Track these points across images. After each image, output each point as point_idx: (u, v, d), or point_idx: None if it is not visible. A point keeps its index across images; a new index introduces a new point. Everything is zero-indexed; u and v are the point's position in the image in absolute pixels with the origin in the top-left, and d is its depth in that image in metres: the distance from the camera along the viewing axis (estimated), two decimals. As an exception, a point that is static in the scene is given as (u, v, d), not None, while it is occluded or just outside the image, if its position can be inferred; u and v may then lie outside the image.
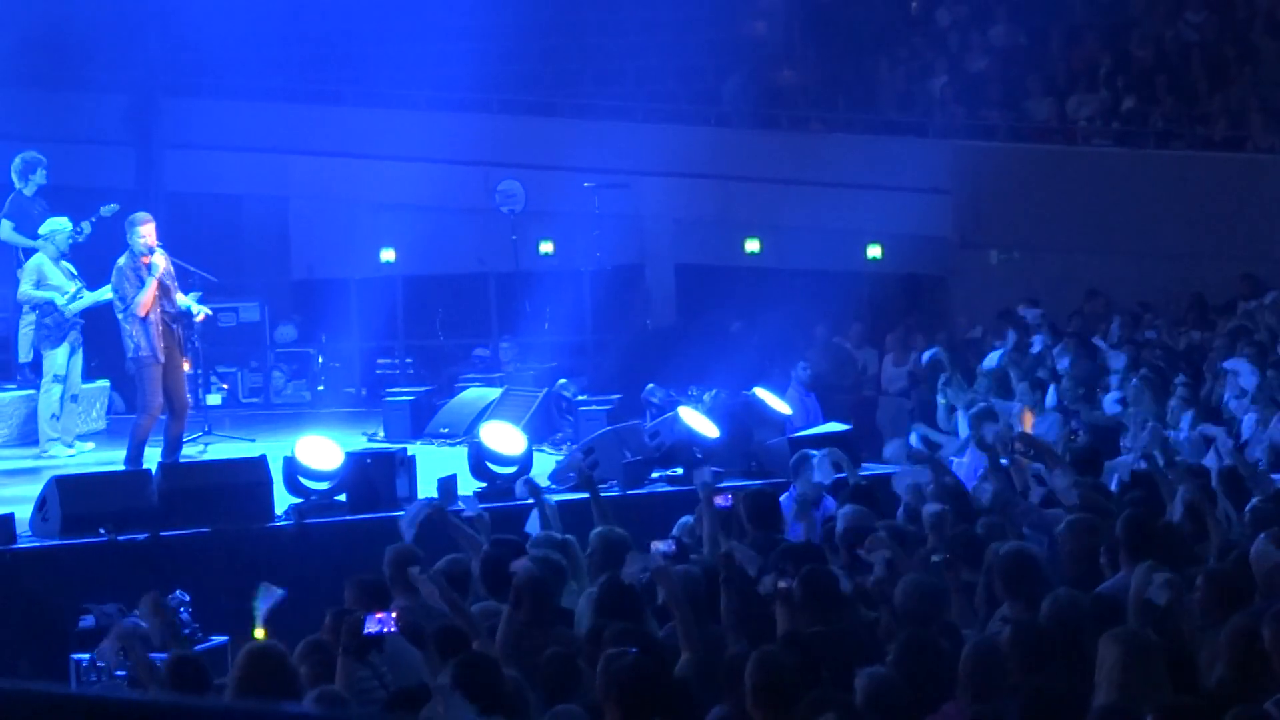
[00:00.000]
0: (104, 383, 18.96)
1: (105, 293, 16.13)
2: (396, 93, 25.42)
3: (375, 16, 26.15)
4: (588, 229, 22.69)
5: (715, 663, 8.94)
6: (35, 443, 17.62)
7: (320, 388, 22.66)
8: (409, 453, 15.01)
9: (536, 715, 8.52)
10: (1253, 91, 24.34)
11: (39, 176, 18.03)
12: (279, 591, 10.58)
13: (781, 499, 12.98)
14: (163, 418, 15.64)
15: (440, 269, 24.85)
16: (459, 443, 17.12)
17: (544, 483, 14.44)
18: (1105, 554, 10.23)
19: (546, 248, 24.22)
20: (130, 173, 23.14)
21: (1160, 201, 23.48)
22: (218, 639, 12.03)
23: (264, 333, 22.66)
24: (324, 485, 14.30)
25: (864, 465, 15.66)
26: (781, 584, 9.63)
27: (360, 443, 17.08)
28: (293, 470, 14.22)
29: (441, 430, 18.05)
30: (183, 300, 15.90)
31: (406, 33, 25.36)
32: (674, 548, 10.69)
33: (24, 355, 18.38)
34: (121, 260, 15.49)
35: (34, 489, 13.99)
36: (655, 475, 15.40)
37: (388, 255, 24.97)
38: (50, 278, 17.29)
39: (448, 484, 14.28)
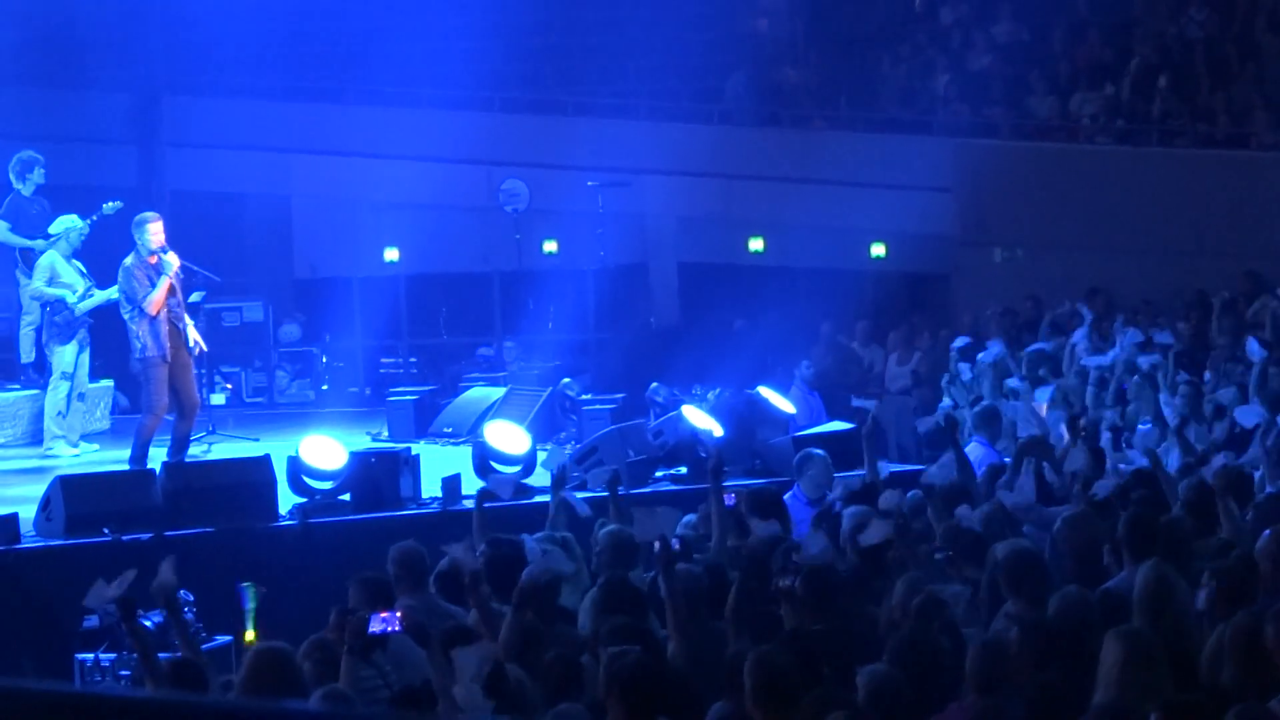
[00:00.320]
0: (108, 382, 18.97)
1: (113, 292, 16.15)
2: (400, 91, 25.42)
3: (378, 15, 26.16)
4: (591, 228, 22.69)
5: (717, 660, 8.95)
6: (41, 442, 17.65)
7: (324, 387, 22.67)
8: (413, 452, 15.02)
9: (540, 714, 8.52)
10: (1255, 89, 24.34)
11: (36, 176, 18.02)
12: (259, 589, 10.63)
13: (785, 497, 13.00)
14: (169, 417, 15.66)
15: (444, 268, 24.86)
16: (463, 442, 17.12)
17: (546, 482, 14.44)
18: (1109, 553, 10.23)
19: (550, 246, 24.22)
20: (132, 171, 23.14)
21: (1163, 199, 23.47)
22: (222, 639, 12.04)
23: (267, 332, 22.67)
24: (328, 485, 14.30)
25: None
26: (784, 582, 9.64)
27: (364, 442, 17.08)
28: (297, 470, 14.23)
29: (445, 429, 18.05)
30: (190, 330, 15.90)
31: (410, 31, 25.35)
32: (678, 545, 10.70)
33: (26, 355, 18.39)
34: (129, 260, 15.50)
35: (39, 489, 13.99)
36: (659, 474, 15.40)
37: (391, 254, 24.98)
38: (62, 275, 17.31)
39: (452, 483, 14.31)
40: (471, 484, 14.58)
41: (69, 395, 17.37)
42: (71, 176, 20.00)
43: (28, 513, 13.60)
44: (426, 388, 19.74)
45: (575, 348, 22.07)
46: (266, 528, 13.78)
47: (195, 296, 16.42)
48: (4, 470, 16.88)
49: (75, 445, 17.41)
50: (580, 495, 12.89)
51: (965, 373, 19.36)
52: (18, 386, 18.57)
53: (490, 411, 17.66)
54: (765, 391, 17.16)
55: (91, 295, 17.16)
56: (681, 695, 8.48)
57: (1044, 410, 17.43)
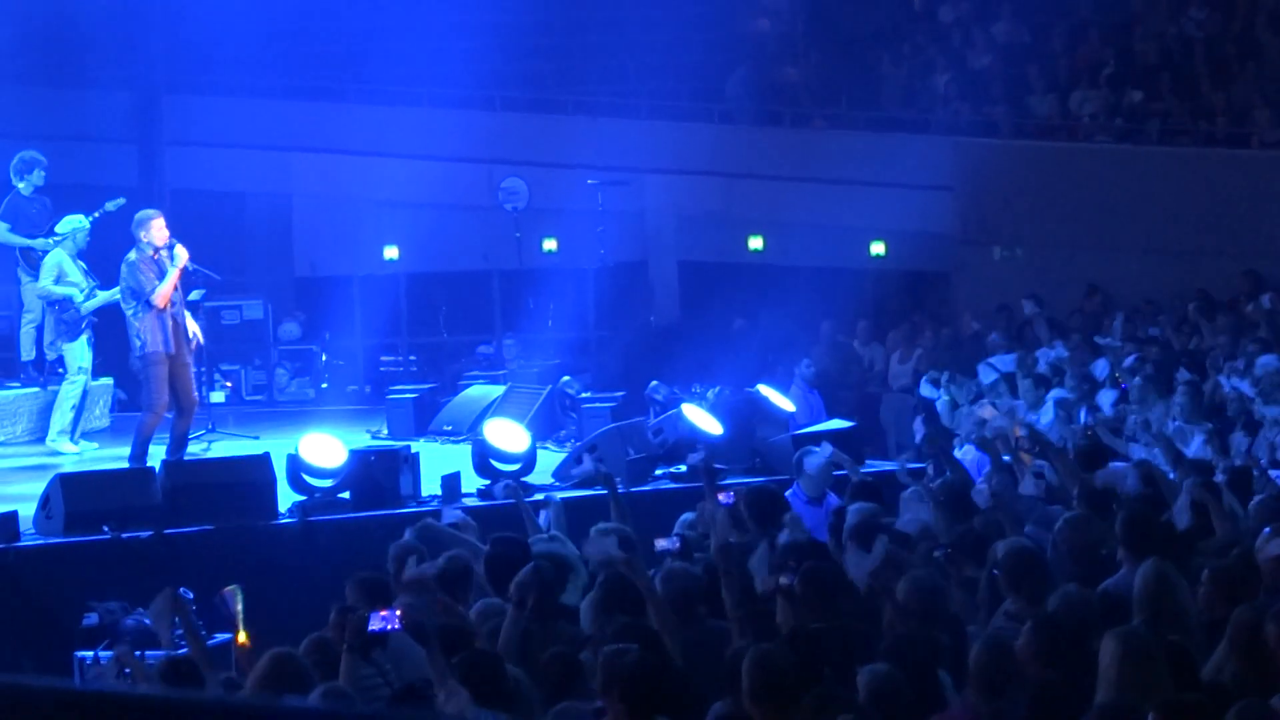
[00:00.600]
0: (107, 380, 18.97)
1: (116, 293, 16.17)
2: (400, 90, 25.42)
3: (379, 13, 26.16)
4: (591, 226, 22.69)
5: (715, 658, 8.94)
6: (44, 439, 17.69)
7: (324, 385, 22.67)
8: (413, 450, 15.02)
9: (540, 713, 8.52)
10: (1256, 88, 24.33)
11: (35, 176, 18.02)
12: (240, 590, 10.64)
13: (786, 494, 13.00)
14: (168, 415, 15.66)
15: (444, 266, 24.85)
16: (463, 440, 17.13)
17: (547, 480, 14.47)
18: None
19: (550, 245, 24.22)
20: (133, 170, 23.13)
21: (1163, 198, 23.47)
22: (221, 636, 12.04)
23: (267, 330, 22.67)
24: (328, 483, 14.30)
25: (867, 461, 15.70)
26: (783, 580, 9.64)
27: (364, 440, 17.09)
28: (296, 468, 14.23)
29: (445, 428, 18.05)
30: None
31: (410, 30, 25.35)
32: (678, 544, 10.71)
33: (26, 353, 18.40)
34: (132, 255, 15.49)
35: (39, 486, 13.98)
36: (659, 472, 15.41)
37: (391, 252, 24.97)
38: (69, 274, 17.33)
39: (451, 482, 14.31)
40: (471, 482, 14.59)
41: (85, 391, 17.43)
42: (72, 175, 20.00)
43: (27, 510, 13.60)
44: (426, 386, 19.73)
45: (575, 346, 22.07)
46: (266, 526, 13.79)
47: (195, 294, 16.42)
48: (4, 468, 16.88)
49: (75, 442, 17.43)
50: (578, 494, 12.93)
51: (987, 374, 19.31)
52: (18, 384, 18.58)
53: (490, 410, 17.66)
54: (765, 390, 17.16)
55: (95, 295, 17.17)
56: (681, 694, 8.48)
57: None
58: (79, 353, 17.34)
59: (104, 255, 17.33)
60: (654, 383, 17.10)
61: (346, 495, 14.30)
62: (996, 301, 23.01)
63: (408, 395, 18.74)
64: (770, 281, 24.04)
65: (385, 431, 18.21)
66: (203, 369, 18.28)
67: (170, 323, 15.48)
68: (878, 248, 24.57)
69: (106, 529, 13.15)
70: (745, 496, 12.08)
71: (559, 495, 13.20)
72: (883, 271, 24.77)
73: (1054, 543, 10.96)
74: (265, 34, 25.24)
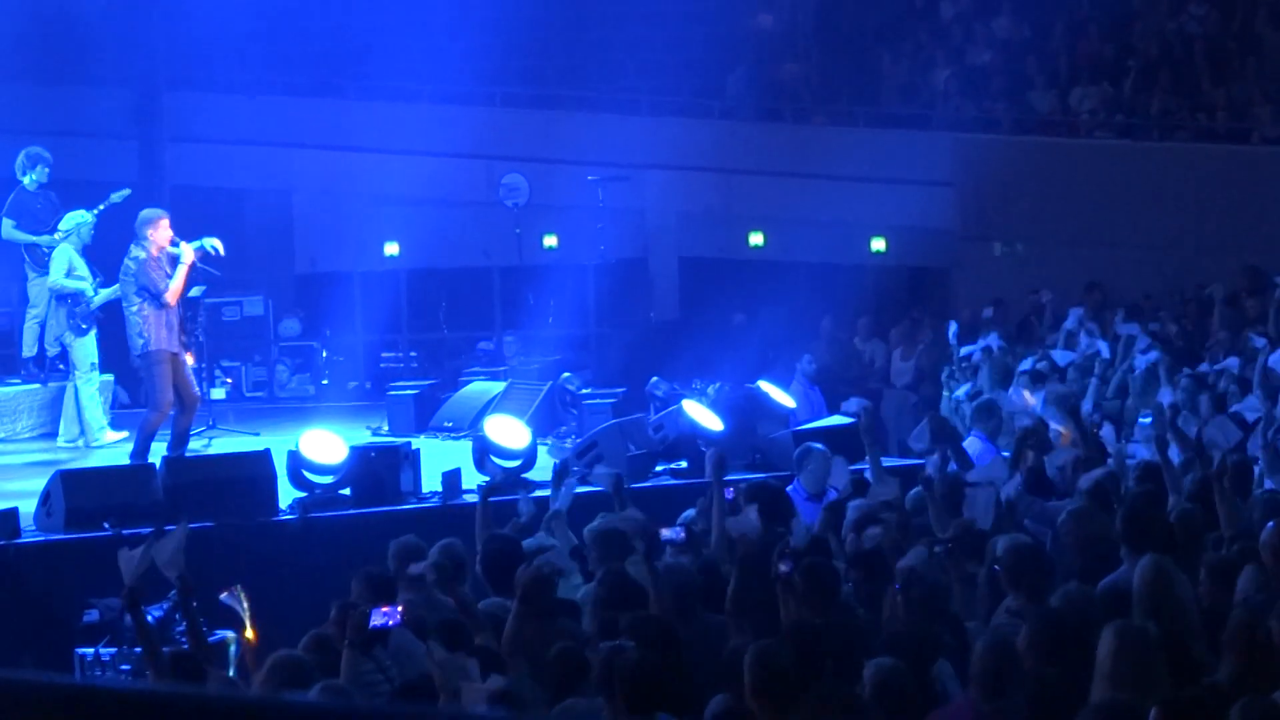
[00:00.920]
0: (107, 377, 18.97)
1: (116, 290, 16.19)
2: (400, 86, 25.42)
3: (379, 10, 26.15)
4: (591, 222, 22.69)
5: (714, 653, 8.96)
6: (54, 436, 17.71)
7: (324, 381, 22.68)
8: (413, 446, 15.02)
9: (545, 709, 8.52)
10: (1256, 84, 24.34)
11: (38, 173, 18.04)
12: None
13: (787, 490, 13.00)
14: (171, 412, 15.68)
15: (444, 263, 24.85)
16: (463, 436, 17.12)
17: (546, 476, 14.45)
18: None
19: (550, 241, 24.23)
20: (134, 167, 23.11)
21: (1163, 194, 23.47)
22: (222, 633, 12.04)
23: (268, 327, 22.68)
24: (328, 479, 14.30)
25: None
26: (782, 568, 9.65)
27: (364, 436, 17.09)
28: (297, 464, 14.23)
29: (446, 424, 18.05)
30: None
31: (410, 26, 25.35)
32: (683, 534, 10.72)
33: (29, 349, 18.40)
34: (140, 254, 15.50)
35: (39, 483, 13.97)
36: (659, 469, 15.41)
37: (391, 249, 24.98)
38: (79, 268, 17.35)
39: (452, 478, 14.31)
40: (472, 478, 14.59)
41: (101, 385, 17.48)
42: (73, 172, 20.00)
43: (28, 507, 13.61)
44: (427, 382, 19.73)
45: (575, 342, 22.08)
46: (266, 522, 13.78)
47: (195, 291, 16.44)
48: (4, 465, 16.88)
49: (76, 438, 17.48)
50: (578, 489, 12.92)
51: (973, 353, 19.27)
52: (18, 381, 18.59)
53: (490, 406, 17.65)
54: (766, 386, 17.16)
55: (99, 291, 17.20)
56: (681, 690, 8.49)
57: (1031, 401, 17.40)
58: (90, 348, 17.36)
59: (105, 250, 17.35)
60: (654, 379, 17.09)
61: (347, 492, 14.29)
62: (997, 297, 23.01)
63: (408, 391, 18.73)
64: (771, 277, 24.04)
65: (386, 428, 18.21)
66: (203, 366, 18.29)
67: (176, 321, 15.53)
68: (878, 244, 24.58)
69: (107, 525, 13.15)
70: (745, 493, 12.08)
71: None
72: (883, 267, 24.78)
73: (1055, 537, 10.97)
74: (266, 31, 25.24)
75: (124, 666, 11.67)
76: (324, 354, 23.08)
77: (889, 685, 7.98)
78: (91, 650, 11.92)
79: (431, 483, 14.47)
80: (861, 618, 9.79)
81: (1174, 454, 13.28)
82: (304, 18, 26.53)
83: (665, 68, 25.85)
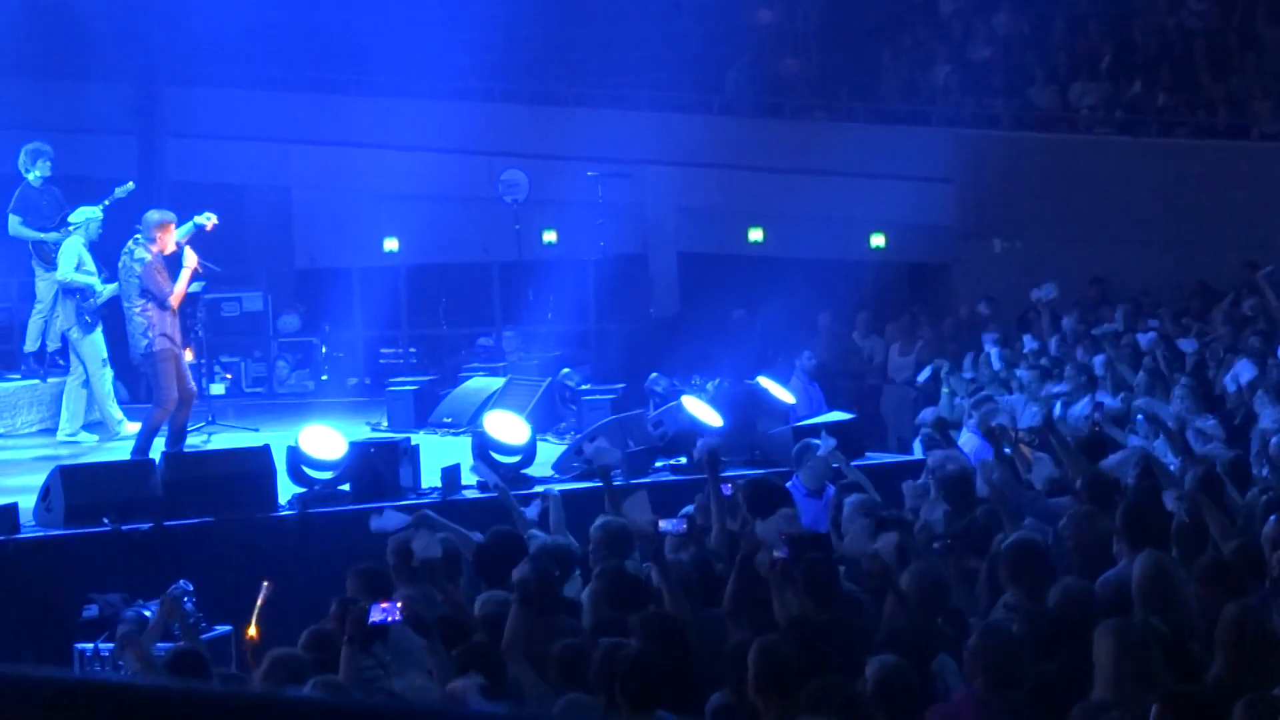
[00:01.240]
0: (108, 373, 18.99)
1: (116, 288, 16.23)
2: (400, 82, 25.41)
3: (379, 6, 26.14)
4: (591, 218, 22.68)
5: (712, 648, 8.96)
6: (54, 431, 17.72)
7: (324, 377, 22.67)
8: (412, 442, 15.01)
9: (547, 704, 8.53)
10: (1255, 80, 24.34)
11: (41, 167, 18.04)
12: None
13: (787, 485, 13.00)
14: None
15: (443, 258, 24.85)
16: (462, 432, 17.12)
17: (546, 472, 14.47)
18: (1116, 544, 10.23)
19: (550, 237, 24.22)
20: (133, 162, 23.12)
21: (1163, 190, 23.47)
22: (221, 628, 12.05)
23: (267, 322, 22.67)
24: (327, 475, 14.30)
25: (868, 454, 15.71)
26: (777, 553, 9.65)
27: (364, 432, 17.08)
28: (296, 460, 14.22)
29: (445, 420, 18.05)
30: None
31: (409, 22, 25.35)
32: (684, 526, 10.72)
33: (31, 344, 18.41)
34: (146, 256, 15.52)
35: (38, 478, 13.97)
36: (659, 464, 15.40)
37: (391, 245, 24.97)
38: (87, 263, 17.36)
39: (451, 474, 14.31)
40: (471, 474, 14.59)
41: (114, 380, 17.49)
42: (72, 167, 20.00)
43: (28, 503, 13.61)
44: (426, 378, 19.73)
45: (575, 338, 22.07)
46: (266, 518, 13.78)
47: (195, 287, 16.44)
48: (4, 460, 16.89)
49: (76, 433, 17.48)
50: (577, 485, 12.93)
51: (996, 360, 19.27)
52: (18, 376, 18.59)
53: (490, 402, 17.65)
54: (765, 382, 17.15)
55: (106, 286, 17.21)
56: (682, 687, 8.49)
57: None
58: (99, 343, 17.37)
59: (105, 244, 17.36)
60: (654, 375, 17.09)
61: (346, 487, 14.29)
62: (996, 294, 23.01)
63: (407, 387, 18.73)
64: (770, 273, 24.04)
65: (385, 424, 18.20)
66: (202, 361, 18.29)
67: (175, 318, 15.58)
68: (878, 240, 24.58)
69: (106, 521, 13.15)
70: (743, 489, 12.08)
71: (557, 488, 13.19)
72: (883, 263, 24.78)
73: (1057, 534, 10.96)
74: (265, 26, 25.23)
75: (123, 661, 11.66)
76: (323, 350, 23.08)
77: (891, 681, 7.98)
78: (91, 645, 11.93)
79: (431, 478, 14.47)
80: (862, 613, 9.80)
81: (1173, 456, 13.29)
82: (303, 13, 26.51)
83: (665, 63, 25.86)
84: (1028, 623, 8.64)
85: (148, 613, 11.41)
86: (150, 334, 15.44)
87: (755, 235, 25.14)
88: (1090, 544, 10.53)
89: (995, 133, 24.82)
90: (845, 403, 18.84)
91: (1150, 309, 21.16)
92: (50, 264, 17.80)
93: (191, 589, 11.70)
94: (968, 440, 14.82)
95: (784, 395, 17.17)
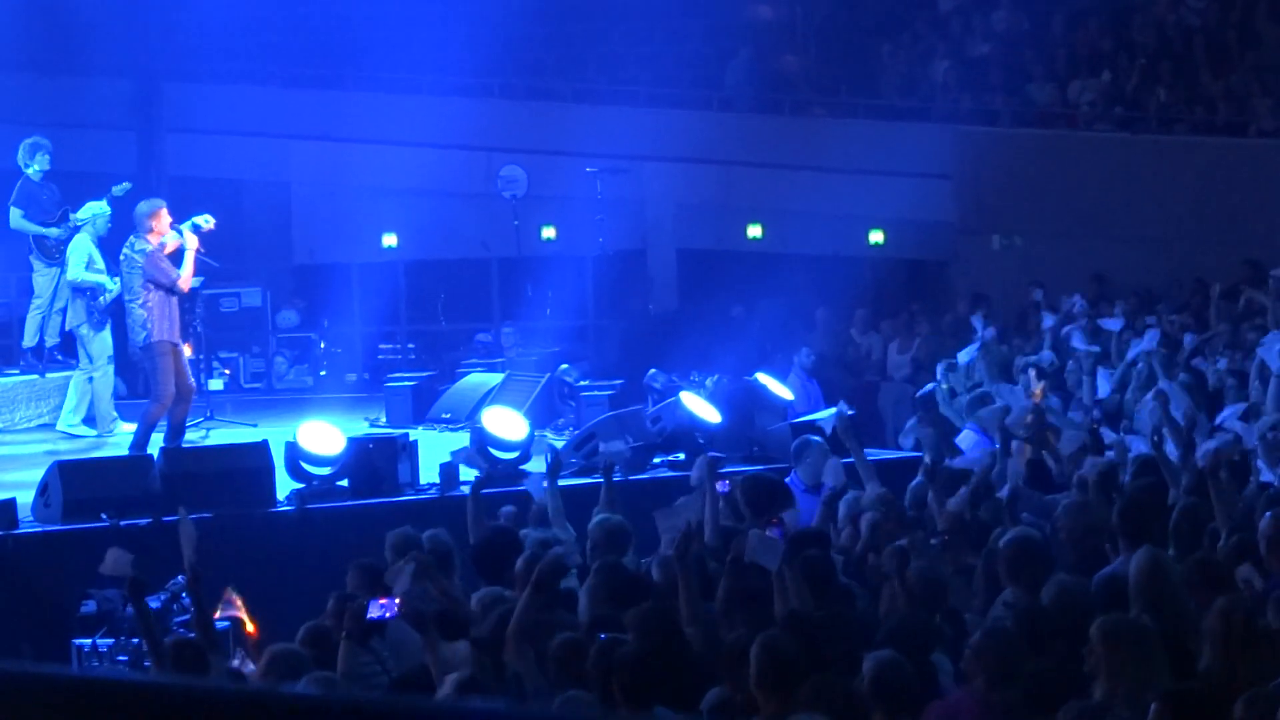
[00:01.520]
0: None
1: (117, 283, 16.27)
2: (398, 77, 25.41)
3: (377, 1, 26.13)
4: (590, 214, 22.68)
5: (710, 644, 8.96)
6: (52, 427, 17.72)
7: (322, 373, 22.67)
8: (411, 438, 15.03)
9: (546, 699, 8.52)
10: (1255, 77, 24.33)
11: (40, 161, 18.05)
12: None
13: (785, 481, 13.00)
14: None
15: (442, 254, 24.85)
16: (461, 428, 17.13)
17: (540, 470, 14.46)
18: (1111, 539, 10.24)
19: (548, 233, 24.22)
20: (132, 158, 23.13)
21: (1163, 186, 23.46)
22: (219, 624, 12.04)
23: (266, 318, 22.67)
24: (326, 470, 14.31)
25: (867, 451, 15.68)
26: (770, 533, 9.66)
27: (362, 428, 17.09)
28: (295, 455, 14.24)
29: (443, 415, 18.06)
30: None
31: (409, 17, 25.33)
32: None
33: (30, 340, 18.41)
34: (147, 246, 15.54)
35: (37, 474, 13.97)
36: (657, 460, 15.41)
37: (390, 240, 24.97)
38: (96, 261, 17.36)
39: (450, 470, 14.31)
40: (469, 470, 14.59)
41: (115, 377, 17.52)
42: (71, 163, 20.00)
43: (26, 498, 13.61)
44: (425, 374, 19.74)
45: (573, 334, 22.07)
46: (264, 513, 13.79)
47: (195, 282, 16.44)
48: (2, 455, 16.89)
49: (75, 427, 17.50)
50: (575, 481, 12.93)
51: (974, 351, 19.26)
52: (17, 371, 18.59)
53: (488, 397, 17.66)
54: (764, 378, 17.16)
55: (116, 282, 17.23)
56: (680, 682, 8.49)
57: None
58: (107, 341, 17.38)
59: (106, 240, 17.36)
60: (652, 371, 17.10)
61: (345, 483, 14.30)
62: (995, 290, 23.01)
63: (406, 383, 18.74)
64: (769, 270, 24.04)
65: (383, 419, 18.21)
66: (201, 356, 18.29)
67: (175, 312, 15.59)
68: (876, 236, 24.57)
69: (105, 516, 13.15)
70: (740, 486, 12.08)
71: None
72: (882, 260, 24.78)
73: (1053, 530, 10.97)
74: (264, 22, 25.23)
75: (121, 657, 11.67)
76: (322, 345, 23.08)
77: (887, 678, 7.98)
78: (89, 641, 11.93)
79: (429, 474, 14.48)
80: (859, 609, 9.80)
81: (1172, 448, 13.29)
82: (303, 8, 26.51)
83: (664, 59, 25.85)
84: (1024, 620, 8.64)
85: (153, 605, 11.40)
86: (149, 326, 15.46)
87: (754, 231, 25.14)
88: (1082, 535, 10.54)
89: (994, 129, 24.81)
90: (844, 399, 18.81)
91: (1150, 305, 21.16)
92: (50, 258, 17.80)
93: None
94: (966, 437, 14.81)
95: (782, 392, 17.18)
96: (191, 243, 15.69)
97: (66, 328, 17.75)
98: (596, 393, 17.20)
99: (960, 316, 23.00)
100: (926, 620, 9.18)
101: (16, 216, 17.92)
